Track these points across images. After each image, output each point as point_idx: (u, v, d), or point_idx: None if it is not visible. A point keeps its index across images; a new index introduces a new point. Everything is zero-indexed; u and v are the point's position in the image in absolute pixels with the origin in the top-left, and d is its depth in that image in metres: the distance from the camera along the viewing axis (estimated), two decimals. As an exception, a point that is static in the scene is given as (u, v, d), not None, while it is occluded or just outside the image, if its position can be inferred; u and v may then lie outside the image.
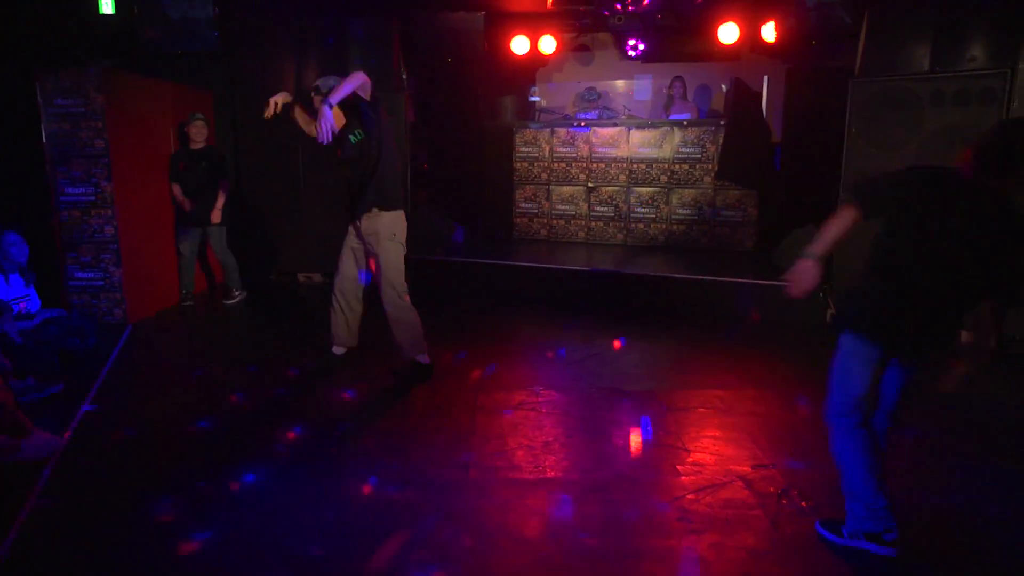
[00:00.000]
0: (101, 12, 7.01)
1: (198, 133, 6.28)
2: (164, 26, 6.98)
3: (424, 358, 4.46)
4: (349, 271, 4.48)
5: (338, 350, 4.74)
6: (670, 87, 8.39)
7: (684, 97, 8.37)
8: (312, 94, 4.10)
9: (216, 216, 6.28)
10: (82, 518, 2.90)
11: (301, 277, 7.58)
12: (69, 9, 6.98)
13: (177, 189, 6.25)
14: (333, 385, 4.43)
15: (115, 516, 2.90)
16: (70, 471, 3.26)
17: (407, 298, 4.33)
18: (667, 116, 8.17)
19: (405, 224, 4.32)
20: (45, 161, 5.52)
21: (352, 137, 4.14)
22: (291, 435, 3.67)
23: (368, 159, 4.14)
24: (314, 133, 3.88)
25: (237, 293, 6.59)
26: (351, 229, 4.41)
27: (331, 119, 3.82)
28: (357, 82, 3.95)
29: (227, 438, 3.66)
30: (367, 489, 3.12)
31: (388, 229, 4.22)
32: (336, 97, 3.82)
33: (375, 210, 4.19)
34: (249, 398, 4.22)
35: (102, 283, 5.68)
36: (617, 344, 5.32)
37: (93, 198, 5.56)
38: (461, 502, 3.02)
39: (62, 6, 6.94)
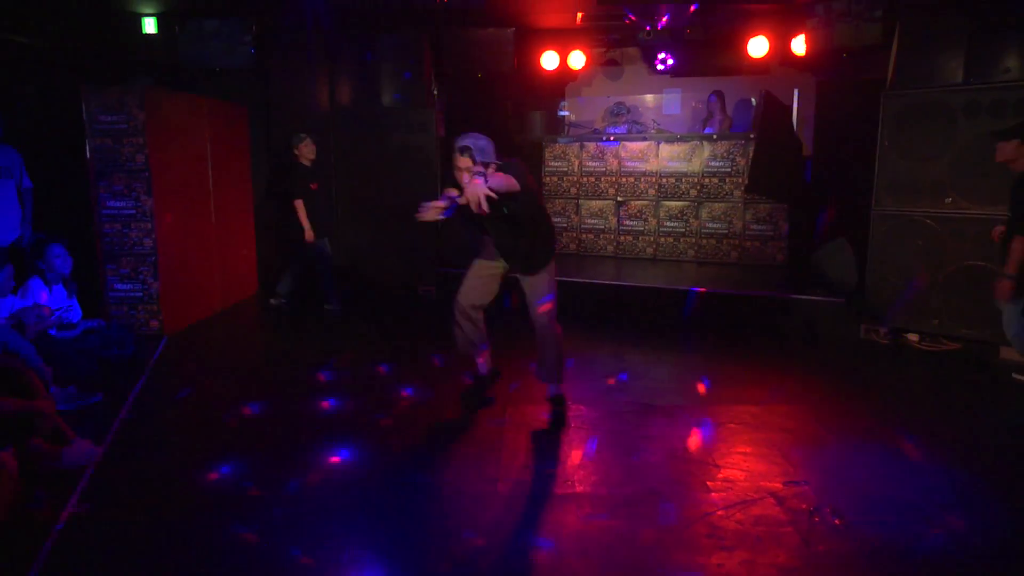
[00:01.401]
0: (144, 32, 7.25)
1: (311, 151, 6.57)
2: (202, 44, 7.19)
3: (556, 388, 4.18)
4: (482, 299, 4.19)
5: (482, 365, 4.45)
6: (708, 102, 8.35)
7: (723, 111, 8.33)
8: (457, 153, 3.69)
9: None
10: (119, 526, 2.97)
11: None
12: (113, 28, 7.23)
13: (301, 206, 6.48)
14: (361, 398, 4.48)
15: (152, 524, 2.97)
16: (108, 479, 3.35)
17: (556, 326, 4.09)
18: (702, 130, 8.16)
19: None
20: (89, 175, 5.69)
21: (505, 209, 3.69)
22: (324, 450, 3.71)
23: (524, 225, 3.88)
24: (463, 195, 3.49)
25: (338, 304, 6.84)
26: (491, 262, 4.12)
27: (484, 191, 3.35)
28: (513, 185, 3.56)
29: (255, 449, 3.72)
30: (398, 502, 3.14)
31: (549, 281, 4.03)
32: (494, 184, 3.41)
33: (541, 271, 4.00)
34: (272, 407, 4.28)
35: (140, 295, 5.82)
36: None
37: (133, 212, 5.72)
38: (490, 516, 3.03)
39: (107, 26, 7.19)
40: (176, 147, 6.12)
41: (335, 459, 3.57)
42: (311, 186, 6.58)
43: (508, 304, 7.47)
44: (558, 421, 4.04)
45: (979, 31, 5.25)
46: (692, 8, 7.29)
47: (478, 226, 3.99)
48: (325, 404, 4.35)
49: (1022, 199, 4.16)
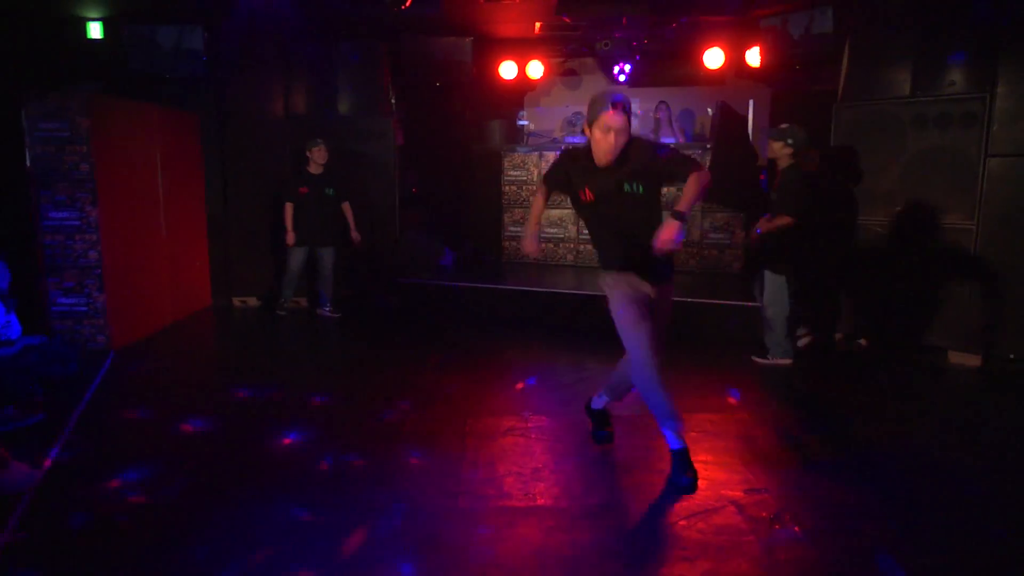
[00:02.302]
0: (89, 37, 7.02)
1: (322, 156, 6.60)
2: (152, 50, 6.99)
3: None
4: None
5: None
6: (655, 112, 8.47)
7: (669, 122, 8.45)
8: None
9: (357, 234, 6.83)
10: (59, 556, 2.81)
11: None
12: (57, 34, 6.99)
13: (289, 211, 6.59)
14: (319, 415, 4.37)
15: (94, 553, 2.83)
16: (48, 505, 3.18)
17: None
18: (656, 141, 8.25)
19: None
20: (30, 185, 5.47)
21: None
22: (276, 470, 3.60)
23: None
24: None
25: (329, 307, 6.96)
26: (630, 279, 3.38)
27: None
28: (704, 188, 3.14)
29: (204, 470, 3.59)
30: (355, 518, 3.05)
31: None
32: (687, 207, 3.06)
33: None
34: (224, 425, 4.15)
35: (85, 309, 5.60)
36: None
37: (77, 223, 5.51)
38: (450, 531, 2.97)
39: (50, 31, 6.94)
40: (123, 156, 5.94)
41: (288, 478, 3.45)
42: (300, 190, 6.60)
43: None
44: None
45: (925, 46, 5.40)
46: (645, 20, 7.37)
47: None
48: (278, 422, 4.22)
49: (787, 189, 5.06)
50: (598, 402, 3.89)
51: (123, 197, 5.90)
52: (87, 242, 5.53)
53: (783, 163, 5.15)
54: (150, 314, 6.31)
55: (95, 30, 7.01)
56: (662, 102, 8.48)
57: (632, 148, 3.22)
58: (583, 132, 3.29)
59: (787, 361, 5.29)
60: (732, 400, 4.62)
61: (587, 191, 3.31)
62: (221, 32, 7.19)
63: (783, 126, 5.17)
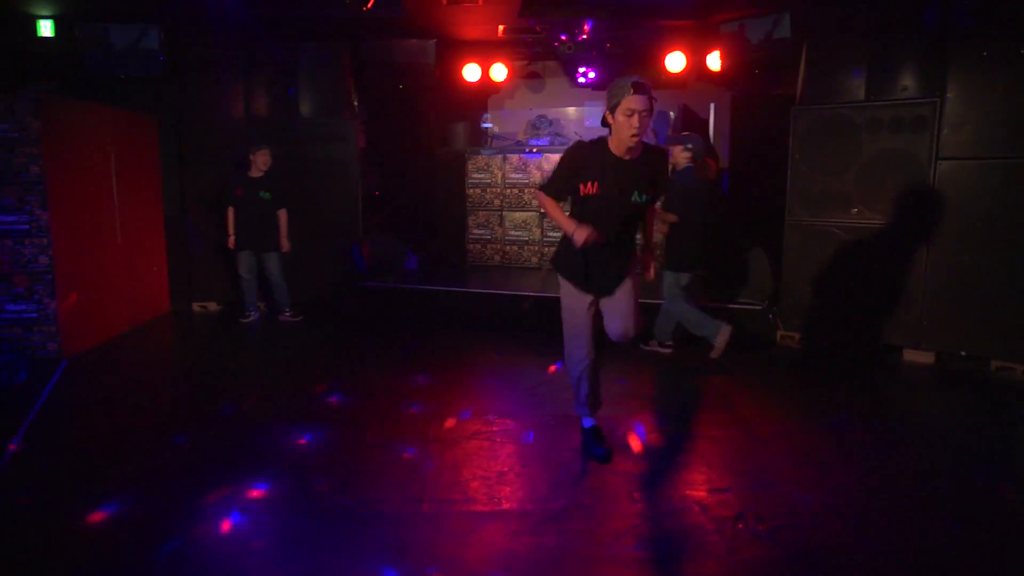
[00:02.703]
0: (40, 35, 6.81)
1: (265, 162, 6.51)
2: (107, 50, 6.81)
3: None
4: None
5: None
6: None
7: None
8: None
9: (286, 244, 6.69)
10: (4, 565, 2.71)
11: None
12: (5, 32, 6.76)
13: (231, 214, 6.54)
14: (279, 421, 4.29)
15: (39, 563, 2.73)
16: (-4, 517, 3.07)
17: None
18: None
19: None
20: (-25, 188, 5.28)
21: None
22: (236, 475, 3.52)
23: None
24: None
25: (289, 312, 6.90)
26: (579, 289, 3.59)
27: None
28: None
29: (160, 481, 3.50)
30: (317, 525, 3.00)
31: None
32: None
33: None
34: (187, 434, 4.05)
35: (36, 315, 5.43)
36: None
37: (27, 226, 5.34)
38: (414, 537, 2.93)
39: (-3, 29, 6.72)
40: (76, 158, 5.77)
41: (248, 488, 3.38)
42: (236, 192, 6.53)
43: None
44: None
45: (878, 53, 5.53)
46: (608, 23, 7.41)
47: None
48: (236, 430, 4.14)
49: (675, 190, 5.35)
50: (585, 421, 3.86)
51: (75, 200, 5.73)
52: (37, 246, 5.36)
53: (680, 166, 5.47)
54: (105, 321, 6.15)
55: (46, 28, 6.79)
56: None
57: (650, 152, 3.35)
58: (603, 123, 3.31)
59: (668, 350, 5.71)
60: (696, 401, 4.66)
61: (592, 184, 3.31)
62: (179, 32, 7.04)
63: (685, 133, 5.78)
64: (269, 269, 6.74)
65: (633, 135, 3.18)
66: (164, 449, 3.82)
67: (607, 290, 3.55)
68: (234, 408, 4.46)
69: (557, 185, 3.47)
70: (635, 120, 3.15)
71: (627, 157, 3.30)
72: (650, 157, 3.37)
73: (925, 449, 3.92)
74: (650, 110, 3.19)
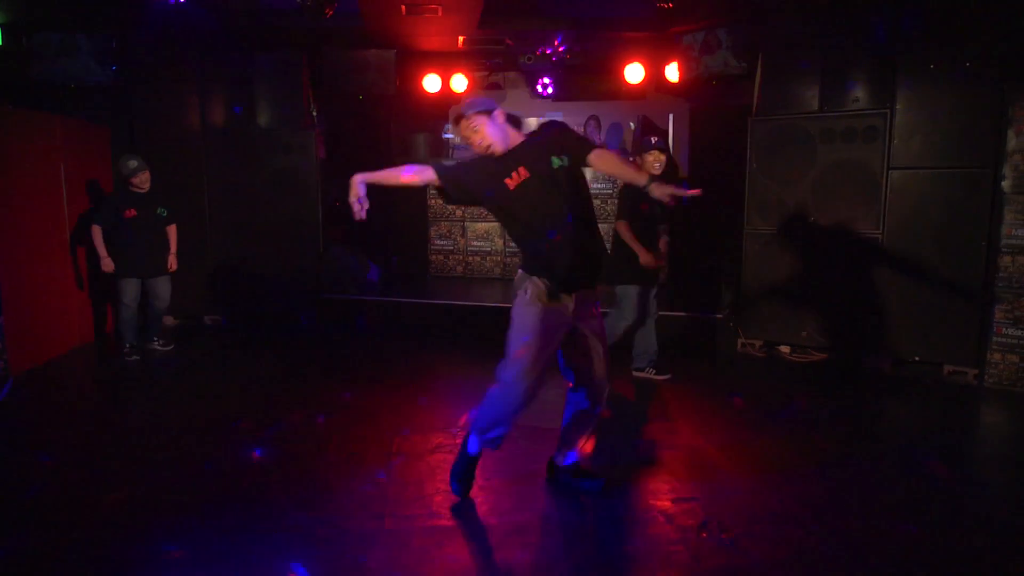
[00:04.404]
0: (-15, 44, 6.60)
1: (147, 180, 5.86)
2: (57, 59, 6.61)
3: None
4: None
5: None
6: (585, 126, 8.58)
7: (598, 135, 8.58)
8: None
9: (175, 262, 6.11)
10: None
11: (208, 320, 7.24)
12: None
13: (98, 233, 5.74)
14: (236, 437, 4.18)
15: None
16: (-67, 546, 2.92)
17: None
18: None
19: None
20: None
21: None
22: (189, 498, 3.42)
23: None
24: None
25: (159, 340, 6.23)
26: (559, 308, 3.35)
27: None
28: None
29: (110, 504, 3.38)
30: (276, 542, 2.92)
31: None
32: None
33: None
34: (141, 453, 3.92)
35: (-21, 333, 5.21)
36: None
37: (-30, 241, 5.14)
38: (377, 554, 2.87)
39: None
40: (21, 169, 5.59)
41: (203, 505, 3.28)
42: (127, 214, 5.79)
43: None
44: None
45: (831, 65, 5.66)
46: (568, 35, 7.47)
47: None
48: (191, 447, 4.02)
49: (623, 196, 5.12)
50: (570, 458, 3.49)
51: (21, 212, 5.54)
52: (-19, 262, 5.16)
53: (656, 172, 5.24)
54: (56, 336, 5.94)
55: (-9, 36, 6.59)
56: (592, 116, 8.59)
57: (528, 136, 3.24)
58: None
59: (652, 375, 5.31)
60: (659, 410, 4.68)
61: (516, 173, 3.14)
62: (133, 41, 6.88)
63: (648, 137, 5.41)
64: (161, 295, 6.08)
65: (477, 148, 3.21)
66: (106, 469, 3.69)
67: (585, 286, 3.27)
68: (182, 423, 4.33)
69: (455, 190, 3.35)
70: (475, 138, 3.20)
71: (502, 149, 3.15)
72: (530, 137, 3.19)
73: (884, 452, 3.99)
74: (478, 130, 3.19)
